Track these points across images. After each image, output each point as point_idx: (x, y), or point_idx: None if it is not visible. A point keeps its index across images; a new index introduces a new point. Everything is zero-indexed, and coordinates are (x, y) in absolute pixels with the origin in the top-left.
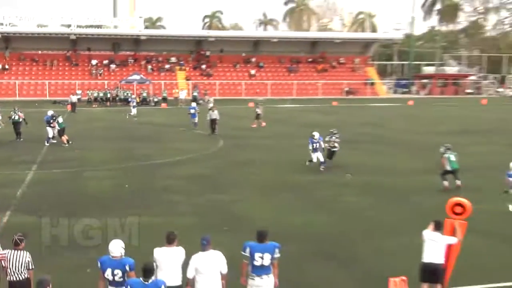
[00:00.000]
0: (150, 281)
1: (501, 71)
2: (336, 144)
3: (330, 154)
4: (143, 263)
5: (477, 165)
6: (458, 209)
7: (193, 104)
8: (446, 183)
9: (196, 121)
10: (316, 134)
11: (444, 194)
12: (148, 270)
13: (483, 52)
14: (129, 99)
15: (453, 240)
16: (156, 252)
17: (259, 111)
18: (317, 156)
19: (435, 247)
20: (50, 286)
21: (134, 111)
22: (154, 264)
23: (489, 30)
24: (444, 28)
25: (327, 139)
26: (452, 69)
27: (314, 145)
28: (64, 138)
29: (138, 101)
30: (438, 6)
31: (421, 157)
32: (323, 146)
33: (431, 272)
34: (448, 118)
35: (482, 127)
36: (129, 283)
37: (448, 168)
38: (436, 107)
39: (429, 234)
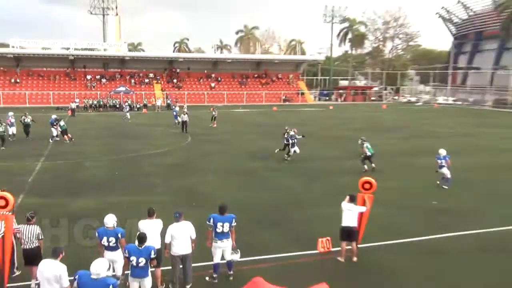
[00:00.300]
0: (143, 246)
1: (396, 83)
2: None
3: (285, 147)
4: (138, 233)
5: (379, 153)
6: (367, 186)
7: (176, 108)
8: (365, 166)
9: (176, 120)
10: (292, 132)
11: (356, 174)
12: (141, 238)
13: (383, 69)
14: (123, 106)
15: (363, 209)
16: (140, 224)
17: (215, 113)
18: (294, 150)
19: (350, 214)
20: (63, 253)
21: (128, 115)
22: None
23: (387, 54)
24: (354, 52)
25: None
26: (360, 82)
27: (291, 140)
28: (67, 137)
29: (129, 107)
30: (349, 35)
31: (339, 147)
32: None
33: (348, 233)
34: (358, 118)
35: (383, 125)
36: (127, 247)
37: (368, 153)
38: (349, 111)
39: (345, 205)
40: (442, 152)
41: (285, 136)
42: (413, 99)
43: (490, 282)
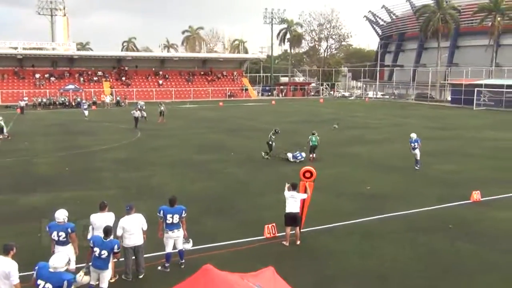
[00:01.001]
0: (108, 239)
1: (332, 80)
2: (273, 138)
3: (269, 146)
4: (104, 227)
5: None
6: (307, 174)
7: (141, 102)
8: (310, 156)
9: (144, 114)
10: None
11: (297, 164)
12: (107, 231)
13: (319, 67)
14: (81, 103)
15: (305, 196)
16: (92, 217)
17: (162, 108)
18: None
19: (293, 201)
20: (14, 249)
21: (86, 112)
22: (91, 226)
23: (322, 52)
24: (293, 51)
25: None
26: (299, 79)
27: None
28: (2, 135)
29: (88, 104)
30: (288, 36)
31: (281, 140)
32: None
33: (292, 219)
34: (298, 112)
35: (321, 117)
36: (93, 238)
37: (311, 144)
38: (290, 105)
39: (288, 193)
40: (413, 135)
41: (272, 136)
42: (346, 93)
43: (414, 257)
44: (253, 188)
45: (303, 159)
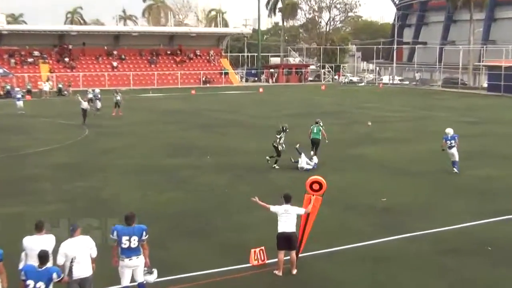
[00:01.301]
0: (44, 267)
1: (336, 61)
2: (282, 139)
3: (276, 151)
4: (39, 252)
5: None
6: (315, 186)
7: (97, 90)
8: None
9: (98, 106)
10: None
11: (290, 170)
12: (42, 257)
13: (320, 45)
14: (14, 93)
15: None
16: (26, 241)
17: (118, 98)
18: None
19: (287, 218)
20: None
21: (19, 104)
22: (24, 252)
23: (324, 26)
24: (286, 24)
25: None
26: (295, 60)
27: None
28: None
29: (23, 93)
30: (279, 4)
31: (271, 138)
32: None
33: (286, 241)
34: (293, 103)
35: (322, 109)
36: (25, 268)
37: (311, 137)
38: (283, 94)
39: (280, 207)
40: (450, 131)
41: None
42: (355, 78)
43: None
44: (235, 201)
45: (316, 166)
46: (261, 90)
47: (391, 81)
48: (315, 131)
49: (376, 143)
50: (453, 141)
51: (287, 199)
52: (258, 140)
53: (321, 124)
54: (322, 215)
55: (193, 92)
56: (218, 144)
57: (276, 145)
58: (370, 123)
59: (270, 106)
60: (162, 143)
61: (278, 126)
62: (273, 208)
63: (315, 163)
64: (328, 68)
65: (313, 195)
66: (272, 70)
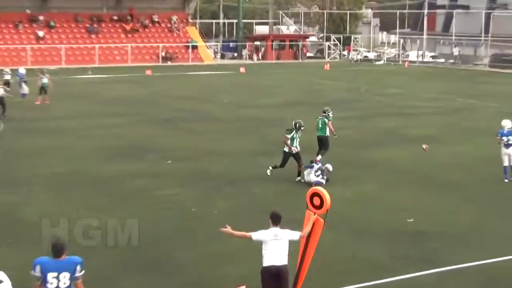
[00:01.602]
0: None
1: (345, 31)
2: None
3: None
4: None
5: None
6: (316, 201)
7: (21, 71)
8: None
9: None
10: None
11: (283, 180)
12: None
13: (323, 9)
14: None
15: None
16: None
17: (45, 81)
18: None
19: (276, 246)
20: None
21: None
22: None
23: None
24: None
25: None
26: (289, 29)
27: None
28: None
29: None
30: None
31: (255, 137)
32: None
33: (275, 277)
34: (286, 87)
35: (326, 98)
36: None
37: (317, 135)
38: (272, 75)
39: (266, 233)
40: (507, 123)
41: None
42: (371, 55)
43: None
44: (207, 224)
45: (326, 181)
46: (242, 70)
47: (420, 59)
48: (320, 125)
49: (401, 143)
50: (511, 138)
51: (276, 220)
52: (238, 139)
53: (330, 114)
54: (326, 241)
55: (148, 72)
56: (184, 144)
57: (288, 151)
58: (426, 147)
59: (254, 93)
60: (105, 143)
61: (268, 119)
62: (257, 236)
63: (319, 167)
64: (334, 40)
65: (314, 213)
66: (257, 42)
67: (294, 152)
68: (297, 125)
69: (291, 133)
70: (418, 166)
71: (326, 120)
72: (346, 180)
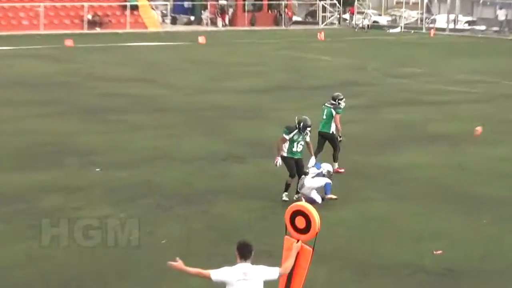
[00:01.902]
0: None
1: None
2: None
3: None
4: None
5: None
6: (300, 223)
7: None
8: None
9: None
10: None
11: (255, 198)
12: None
13: None
14: None
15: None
16: None
17: None
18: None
19: None
20: None
21: None
22: None
23: None
24: None
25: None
26: None
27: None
28: None
29: None
30: None
31: (220, 134)
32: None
33: None
34: (263, 64)
35: (318, 79)
36: None
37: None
38: (244, 48)
39: (234, 270)
40: None
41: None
42: (383, 19)
43: None
44: (150, 258)
45: (328, 192)
46: (202, 40)
47: (451, 25)
48: (324, 116)
49: (422, 143)
50: None
51: (245, 253)
52: (195, 138)
53: (342, 103)
54: (316, 279)
55: (69, 43)
56: (118, 145)
57: (286, 155)
58: (479, 129)
59: (219, 72)
60: (3, 143)
61: (238, 110)
62: (218, 275)
63: (318, 172)
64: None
65: (297, 239)
66: (223, 1)
67: (277, 164)
68: (301, 124)
69: (291, 133)
70: (446, 175)
71: (334, 112)
72: (347, 195)
